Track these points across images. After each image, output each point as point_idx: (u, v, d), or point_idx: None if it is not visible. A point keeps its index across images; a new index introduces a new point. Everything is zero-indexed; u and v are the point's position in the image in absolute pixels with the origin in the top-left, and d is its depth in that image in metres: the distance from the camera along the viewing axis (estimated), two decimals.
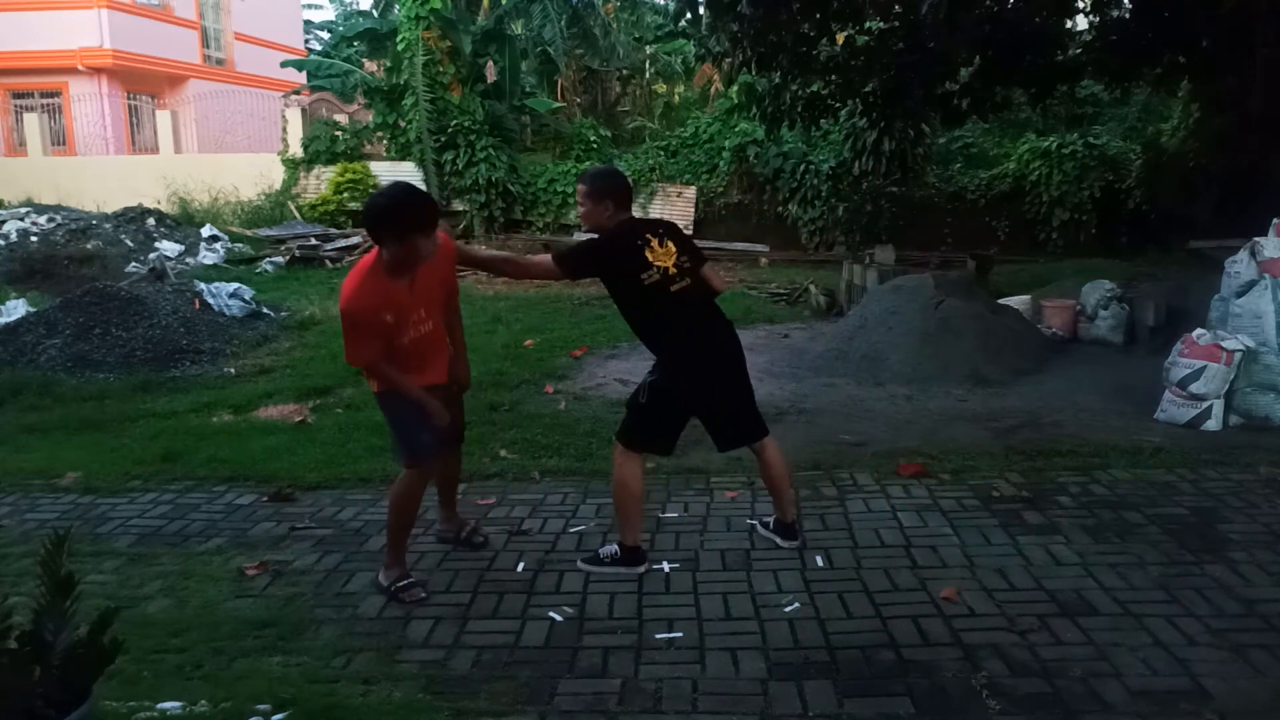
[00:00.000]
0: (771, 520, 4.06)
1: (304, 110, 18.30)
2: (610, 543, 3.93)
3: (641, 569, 3.78)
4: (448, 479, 4.09)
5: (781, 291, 11.11)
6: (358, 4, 34.55)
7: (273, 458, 5.32)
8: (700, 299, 3.75)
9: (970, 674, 2.97)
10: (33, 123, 19.31)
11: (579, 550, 4.02)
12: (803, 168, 14.78)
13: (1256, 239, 5.91)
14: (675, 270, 3.65)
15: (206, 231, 14.40)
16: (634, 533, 3.80)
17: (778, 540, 3.99)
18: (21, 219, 13.86)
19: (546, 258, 3.83)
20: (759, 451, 3.93)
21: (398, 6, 16.93)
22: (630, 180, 4.01)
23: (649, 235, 3.68)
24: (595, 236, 3.77)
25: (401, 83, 16.09)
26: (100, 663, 1.92)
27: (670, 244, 3.69)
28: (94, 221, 14.14)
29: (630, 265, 3.61)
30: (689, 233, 15.36)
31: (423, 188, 11.77)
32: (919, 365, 6.81)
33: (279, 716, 2.73)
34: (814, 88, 10.72)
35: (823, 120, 11.52)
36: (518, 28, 18.63)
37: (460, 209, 15.94)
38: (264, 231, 14.90)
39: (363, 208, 3.41)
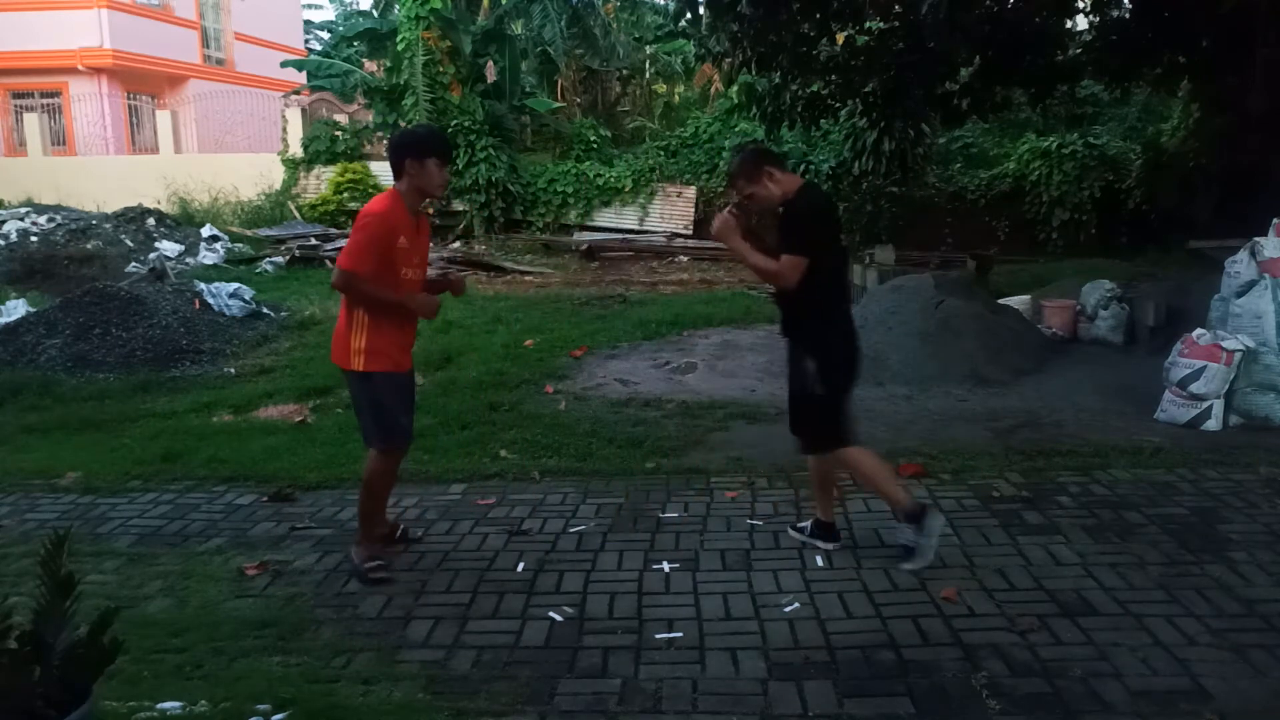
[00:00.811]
0: (809, 524, 4.02)
1: (304, 110, 18.31)
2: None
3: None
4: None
5: None
6: (358, 4, 34.58)
7: (273, 458, 5.32)
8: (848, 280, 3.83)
9: (970, 674, 2.97)
10: (33, 123, 19.32)
11: (579, 550, 4.02)
12: (802, 168, 14.77)
13: (1256, 239, 5.90)
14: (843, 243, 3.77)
15: (206, 231, 14.41)
16: (900, 492, 3.78)
17: (819, 544, 3.94)
18: (21, 219, 13.86)
19: (781, 262, 3.58)
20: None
21: (398, 6, 16.94)
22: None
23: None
24: (797, 212, 3.66)
25: (401, 83, 16.09)
26: (100, 663, 1.92)
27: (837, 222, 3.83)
28: (94, 221, 14.14)
29: (831, 229, 3.70)
30: (689, 232, 15.53)
31: None
32: (919, 365, 6.80)
33: (279, 716, 2.73)
34: (814, 88, 10.71)
35: (823, 120, 11.52)
36: (518, 28, 18.64)
37: (460, 209, 15.95)
38: (264, 231, 14.90)
39: (389, 141, 3.78)
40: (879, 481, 3.80)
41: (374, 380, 3.68)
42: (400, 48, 15.98)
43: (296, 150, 17.23)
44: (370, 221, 3.58)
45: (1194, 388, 5.51)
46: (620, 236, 15.49)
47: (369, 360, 3.64)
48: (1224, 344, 5.52)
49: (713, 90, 19.46)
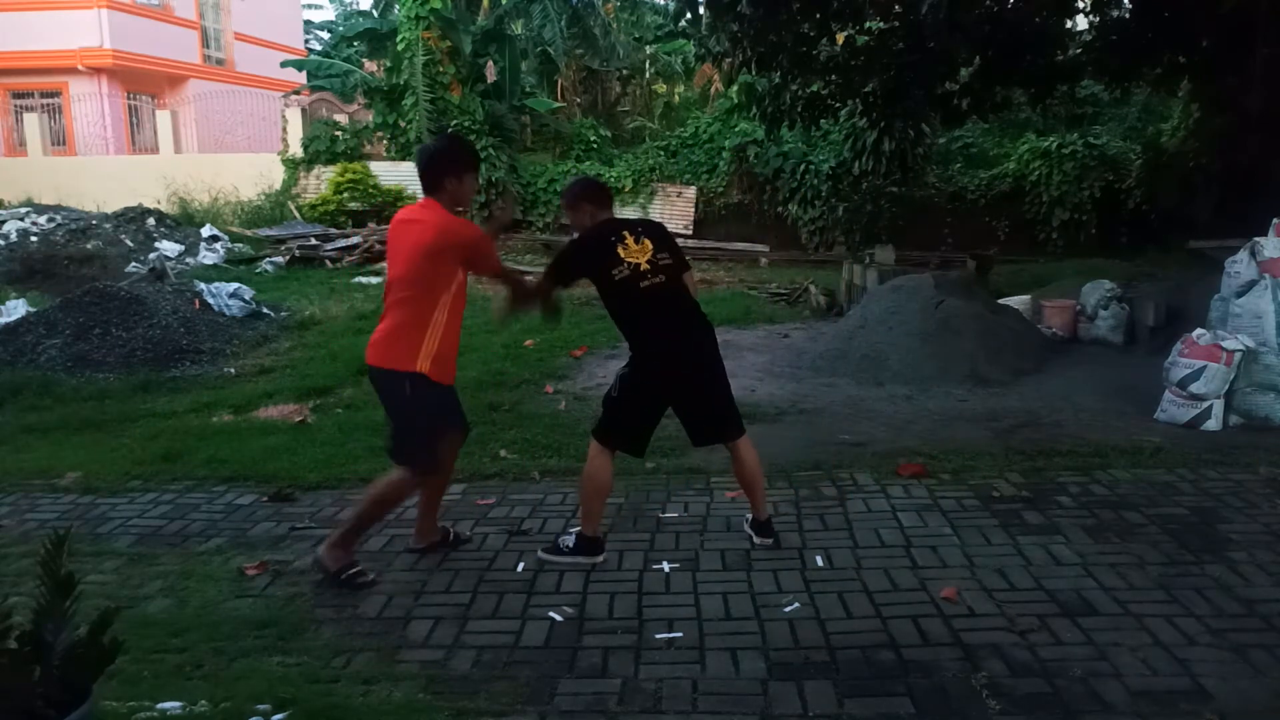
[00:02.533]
0: (748, 518, 4.09)
1: (304, 110, 18.30)
2: (570, 532, 3.96)
3: (600, 559, 3.84)
4: (440, 486, 4.05)
5: (781, 291, 11.11)
6: (358, 4, 34.58)
7: (273, 458, 5.31)
8: (674, 295, 3.81)
9: (970, 674, 2.96)
10: (33, 123, 19.31)
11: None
12: (803, 168, 14.78)
13: (1256, 239, 5.91)
14: (648, 267, 3.73)
15: (206, 231, 14.40)
16: (594, 524, 3.87)
17: (754, 538, 4.00)
18: (21, 219, 13.85)
19: (541, 279, 3.97)
20: (733, 450, 3.96)
21: (398, 6, 16.94)
22: (603, 182, 4.24)
23: (625, 233, 3.79)
24: (573, 238, 3.93)
25: (401, 83, 16.09)
26: (100, 663, 1.92)
27: (647, 242, 3.79)
28: (94, 221, 14.13)
29: (602, 261, 3.73)
30: (688, 232, 15.52)
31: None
32: (919, 365, 6.81)
33: (279, 716, 2.73)
34: (814, 88, 10.72)
35: (823, 120, 11.53)
36: (518, 28, 18.64)
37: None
38: (264, 231, 14.89)
39: (418, 155, 4.06)
40: (591, 498, 3.83)
41: (422, 392, 3.73)
42: (400, 48, 15.97)
43: (296, 150, 17.23)
44: (462, 239, 3.79)
45: (1194, 388, 5.51)
46: None
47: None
48: (1224, 344, 5.52)
49: (713, 90, 19.45)
